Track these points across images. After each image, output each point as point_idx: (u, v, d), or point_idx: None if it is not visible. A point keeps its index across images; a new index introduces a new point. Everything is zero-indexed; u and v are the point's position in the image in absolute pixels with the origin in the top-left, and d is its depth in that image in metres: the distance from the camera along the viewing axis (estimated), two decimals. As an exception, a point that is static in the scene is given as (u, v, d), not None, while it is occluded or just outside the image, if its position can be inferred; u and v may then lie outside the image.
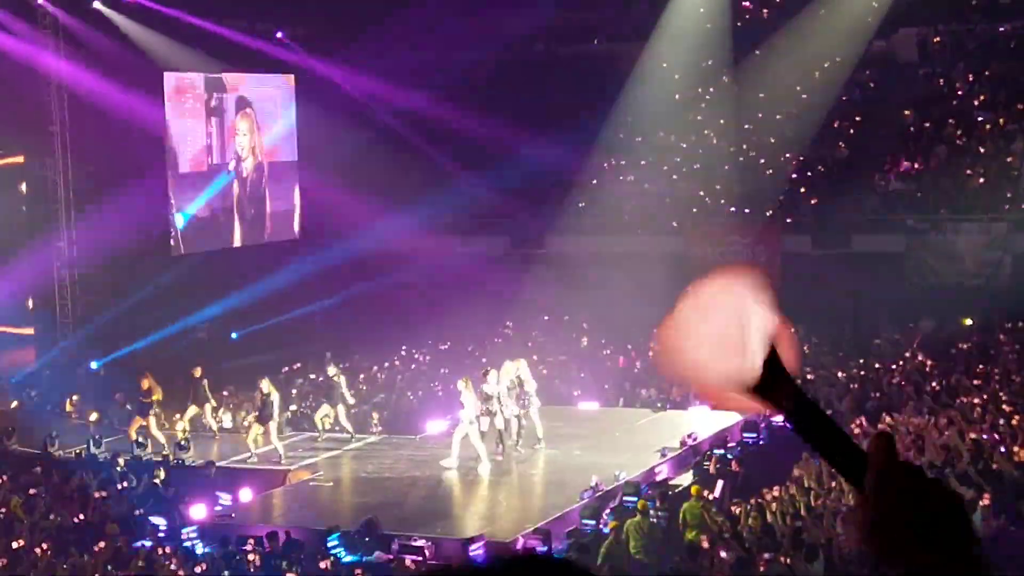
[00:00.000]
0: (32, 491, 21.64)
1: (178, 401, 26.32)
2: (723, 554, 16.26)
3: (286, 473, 23.47)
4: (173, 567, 17.91)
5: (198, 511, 20.56)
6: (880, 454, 1.82)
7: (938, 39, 38.40)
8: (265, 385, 24.22)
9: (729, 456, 22.27)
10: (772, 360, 1.90)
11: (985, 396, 23.05)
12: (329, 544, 18.62)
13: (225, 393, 27.67)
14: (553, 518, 19.85)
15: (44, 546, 19.01)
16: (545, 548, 18.34)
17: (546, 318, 33.92)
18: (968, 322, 29.13)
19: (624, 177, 37.95)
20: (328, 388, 26.07)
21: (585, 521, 19.45)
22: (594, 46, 41.80)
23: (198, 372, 26.06)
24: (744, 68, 39.24)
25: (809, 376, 27.18)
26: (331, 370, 25.99)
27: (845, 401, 25.01)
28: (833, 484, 18.78)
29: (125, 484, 22.07)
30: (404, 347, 31.73)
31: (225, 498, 21.29)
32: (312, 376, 29.41)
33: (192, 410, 25.96)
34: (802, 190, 36.18)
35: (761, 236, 34.84)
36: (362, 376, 29.32)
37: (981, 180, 34.22)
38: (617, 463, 22.29)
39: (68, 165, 32.80)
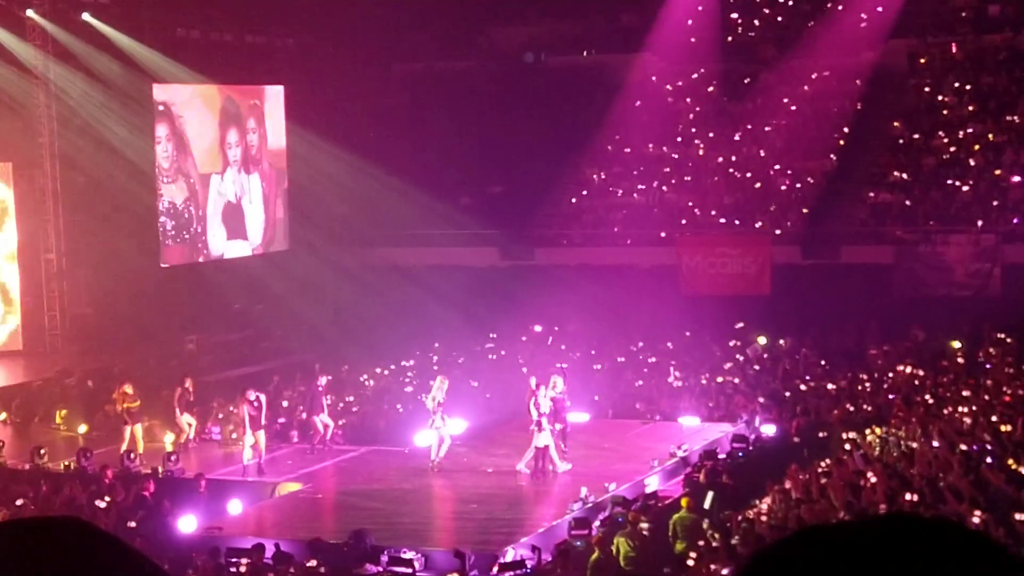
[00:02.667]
0: (19, 502, 21.53)
1: (162, 411, 26.31)
2: (721, 570, 16.21)
3: (275, 485, 23.40)
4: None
5: (188, 523, 20.49)
6: None
7: (927, 51, 38.47)
8: (251, 394, 24.25)
9: (718, 468, 22.23)
10: None
11: (975, 408, 23.05)
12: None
13: (214, 405, 27.59)
14: (543, 530, 19.81)
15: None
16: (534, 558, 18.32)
17: (537, 328, 33.85)
18: (956, 344, 29.13)
19: (613, 188, 37.97)
20: (313, 397, 26.05)
21: (575, 533, 19.39)
22: (583, 57, 41.87)
23: (188, 383, 26.13)
24: (733, 80, 39.34)
25: (801, 387, 27.19)
26: (323, 381, 26.04)
27: (835, 413, 25.00)
28: (821, 494, 18.77)
29: (109, 498, 21.94)
30: (392, 358, 31.65)
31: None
32: (302, 389, 29.34)
33: (185, 417, 25.98)
34: (791, 201, 36.19)
35: (750, 247, 34.86)
36: (353, 395, 29.17)
37: (970, 192, 34.29)
38: (607, 475, 22.28)
39: (57, 176, 32.76)
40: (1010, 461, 19.19)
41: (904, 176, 35.51)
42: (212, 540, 19.76)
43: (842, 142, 37.27)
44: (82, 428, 27.10)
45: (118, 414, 25.07)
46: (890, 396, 25.69)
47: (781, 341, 31.07)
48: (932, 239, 33.43)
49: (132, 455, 24.42)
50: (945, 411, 23.35)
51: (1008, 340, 28.65)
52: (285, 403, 28.28)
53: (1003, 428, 21.25)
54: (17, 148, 32.67)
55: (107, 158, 32.33)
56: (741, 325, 31.50)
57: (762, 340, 31.12)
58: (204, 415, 26.85)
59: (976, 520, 16.53)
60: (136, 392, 25.16)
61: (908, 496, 17.86)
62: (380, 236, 37.16)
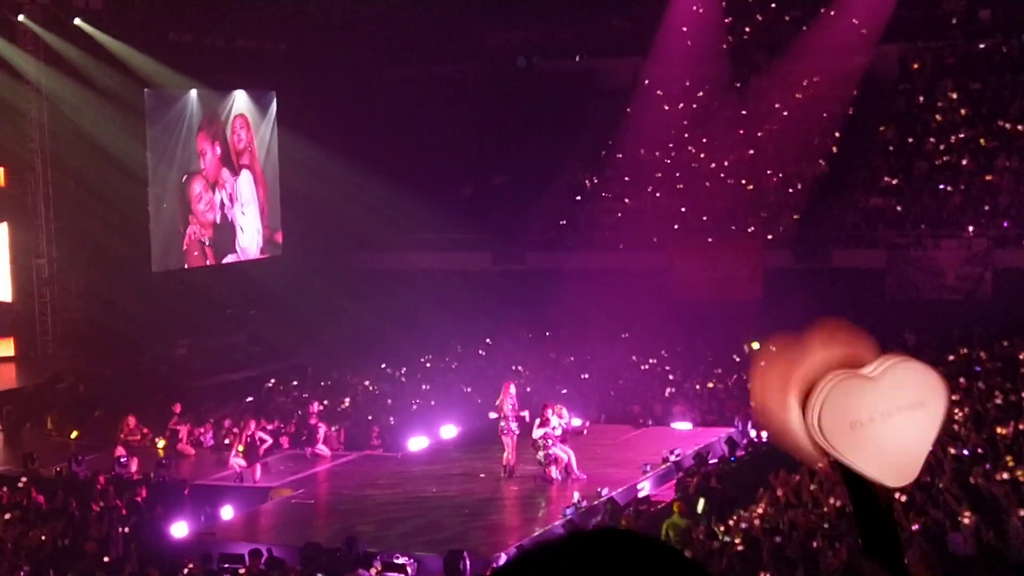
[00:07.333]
0: (8, 516, 21.43)
1: (155, 416, 26.35)
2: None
3: (268, 491, 23.39)
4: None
5: (180, 529, 20.48)
6: None
7: (919, 56, 38.53)
8: (256, 430, 24.42)
9: (710, 473, 22.22)
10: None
11: (966, 412, 23.06)
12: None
13: (206, 408, 27.58)
14: (535, 535, 19.80)
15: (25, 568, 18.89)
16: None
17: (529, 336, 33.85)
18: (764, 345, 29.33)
19: (605, 193, 37.97)
20: (309, 430, 26.04)
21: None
22: (576, 62, 41.89)
23: (178, 408, 26.40)
24: (725, 85, 39.35)
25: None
26: (315, 408, 26.28)
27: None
28: (809, 498, 18.78)
29: (103, 503, 21.89)
30: (386, 363, 31.63)
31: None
32: (295, 395, 29.34)
33: (183, 430, 26.12)
34: (783, 205, 36.22)
35: (742, 251, 34.89)
36: (347, 400, 29.12)
37: (961, 196, 34.35)
38: (600, 479, 22.29)
39: (48, 182, 32.73)
40: (1009, 461, 19.21)
41: (895, 181, 35.57)
42: (204, 546, 19.75)
43: (834, 147, 37.32)
44: (73, 434, 27.04)
45: (121, 442, 24.97)
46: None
47: (772, 346, 31.03)
48: (923, 243, 33.49)
49: (124, 460, 24.37)
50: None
51: (999, 344, 28.66)
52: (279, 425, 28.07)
53: (995, 432, 21.26)
54: (9, 153, 32.64)
55: (99, 163, 32.28)
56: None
57: (755, 345, 31.12)
58: (196, 420, 26.84)
59: (966, 522, 16.56)
60: (138, 426, 25.09)
61: (899, 497, 17.87)
62: (373, 240, 37.14)
